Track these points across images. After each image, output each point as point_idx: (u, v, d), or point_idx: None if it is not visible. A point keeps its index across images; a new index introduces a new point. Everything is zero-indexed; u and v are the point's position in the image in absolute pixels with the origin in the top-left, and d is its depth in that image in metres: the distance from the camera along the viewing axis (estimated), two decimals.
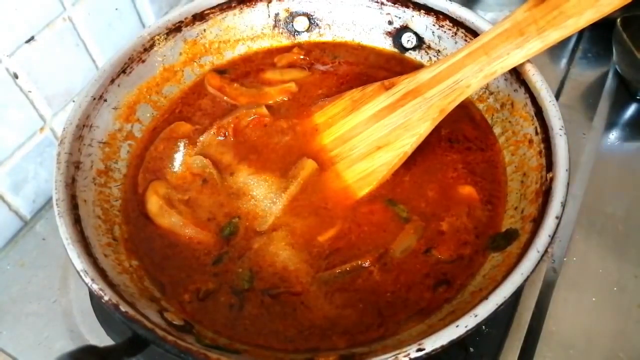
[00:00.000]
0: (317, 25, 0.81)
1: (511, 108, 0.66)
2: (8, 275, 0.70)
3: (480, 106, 0.71)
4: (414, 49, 0.78)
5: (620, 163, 0.77)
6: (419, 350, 0.43)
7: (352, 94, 0.70)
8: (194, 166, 0.67)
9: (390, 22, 0.79)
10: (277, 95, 0.75)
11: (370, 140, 0.66)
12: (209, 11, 0.76)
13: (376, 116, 0.67)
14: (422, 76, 0.65)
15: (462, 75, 0.62)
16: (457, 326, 0.45)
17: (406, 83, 0.66)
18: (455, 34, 0.73)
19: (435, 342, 0.44)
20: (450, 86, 0.62)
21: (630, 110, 0.84)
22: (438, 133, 0.68)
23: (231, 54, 0.80)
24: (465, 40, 0.72)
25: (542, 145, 0.59)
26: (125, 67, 0.69)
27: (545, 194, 0.55)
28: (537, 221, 0.53)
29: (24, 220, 0.76)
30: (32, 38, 0.69)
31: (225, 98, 0.75)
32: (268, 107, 0.73)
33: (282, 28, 0.81)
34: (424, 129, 0.63)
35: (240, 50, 0.81)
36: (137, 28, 0.87)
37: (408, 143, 0.64)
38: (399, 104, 0.65)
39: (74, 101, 0.75)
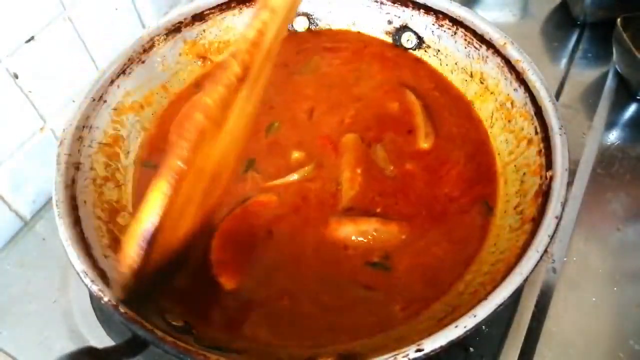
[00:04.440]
0: (317, 25, 0.81)
1: (510, 107, 0.66)
2: (8, 275, 0.70)
3: (480, 105, 0.71)
4: (413, 48, 0.78)
5: (620, 163, 0.77)
6: (418, 350, 0.43)
7: None
8: None
9: (389, 22, 0.78)
10: None
11: None
12: (208, 11, 0.76)
13: None
14: None
15: None
16: (456, 326, 0.45)
17: None
18: (455, 33, 0.73)
19: (434, 342, 0.44)
20: None
21: (630, 110, 0.84)
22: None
23: None
24: (465, 40, 0.72)
25: (541, 145, 0.59)
26: (125, 68, 0.69)
27: (545, 193, 0.55)
28: (537, 221, 0.53)
29: (24, 220, 0.76)
30: (32, 38, 0.69)
31: None
32: None
33: None
34: None
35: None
36: (137, 28, 0.87)
37: None
38: None
39: (74, 101, 0.75)
